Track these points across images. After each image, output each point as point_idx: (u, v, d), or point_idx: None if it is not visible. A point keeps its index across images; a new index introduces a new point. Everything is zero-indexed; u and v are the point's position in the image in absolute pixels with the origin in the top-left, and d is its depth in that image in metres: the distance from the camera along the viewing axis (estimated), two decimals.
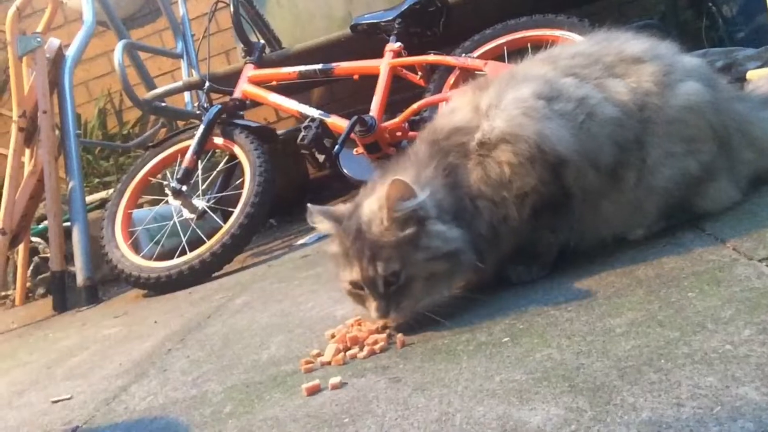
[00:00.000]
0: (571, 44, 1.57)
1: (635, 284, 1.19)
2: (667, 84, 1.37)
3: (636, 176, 1.36)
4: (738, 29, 3.56)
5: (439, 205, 1.29)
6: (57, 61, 3.27)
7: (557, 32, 2.68)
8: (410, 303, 1.27)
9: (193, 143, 2.84)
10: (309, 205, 1.37)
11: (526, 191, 1.32)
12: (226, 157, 3.06)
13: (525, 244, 1.38)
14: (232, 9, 3.07)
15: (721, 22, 3.66)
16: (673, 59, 1.43)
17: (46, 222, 3.21)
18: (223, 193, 2.99)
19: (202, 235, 2.74)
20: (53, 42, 3.29)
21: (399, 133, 2.71)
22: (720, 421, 0.71)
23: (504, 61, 2.69)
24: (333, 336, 1.34)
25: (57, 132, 3.27)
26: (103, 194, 3.74)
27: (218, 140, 2.91)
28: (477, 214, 1.32)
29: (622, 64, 1.41)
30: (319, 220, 1.36)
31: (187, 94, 4.06)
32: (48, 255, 3.22)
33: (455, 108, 1.44)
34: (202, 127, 2.85)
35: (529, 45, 2.70)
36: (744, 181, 1.46)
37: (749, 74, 2.52)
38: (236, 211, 2.66)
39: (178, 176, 2.79)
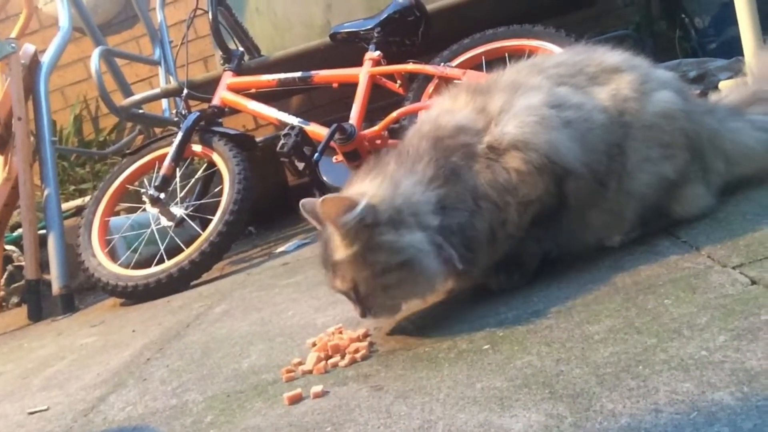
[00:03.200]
0: (552, 55, 1.59)
1: (613, 291, 1.21)
2: (644, 92, 1.41)
3: (617, 182, 1.39)
4: (710, 40, 3.63)
5: (400, 207, 1.25)
6: (32, 67, 3.22)
7: (535, 42, 2.71)
8: (382, 310, 1.28)
9: (171, 151, 2.81)
10: (302, 200, 1.38)
11: (531, 199, 1.33)
12: (205, 165, 3.04)
13: (511, 252, 1.39)
14: (210, 16, 3.05)
15: (693, 33, 3.73)
16: (649, 70, 1.49)
17: (20, 230, 3.16)
18: (202, 201, 2.97)
19: (181, 243, 2.71)
20: (28, 48, 3.25)
21: (378, 141, 2.72)
22: (697, 426, 0.73)
23: (482, 71, 2.72)
24: (314, 344, 1.34)
25: (32, 139, 3.23)
26: (79, 202, 3.69)
27: (197, 148, 2.89)
28: (479, 212, 1.31)
29: (603, 74, 1.45)
30: (308, 217, 1.37)
31: (164, 101, 4.03)
32: (22, 263, 3.16)
33: (452, 109, 1.43)
34: (180, 135, 2.83)
35: (507, 55, 2.73)
36: (715, 189, 1.50)
37: (721, 85, 2.58)
38: (215, 219, 2.64)
39: (156, 184, 2.76)
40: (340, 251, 1.25)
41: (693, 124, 1.44)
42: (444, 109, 1.45)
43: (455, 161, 1.33)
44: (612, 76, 1.44)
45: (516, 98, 1.38)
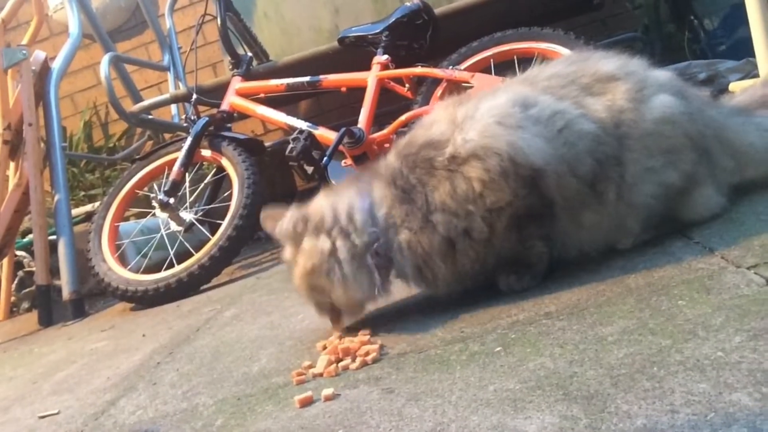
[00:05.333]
0: (548, 65, 1.56)
1: (626, 293, 1.20)
2: (640, 99, 1.37)
3: (616, 192, 1.35)
4: (720, 42, 3.61)
5: (327, 219, 1.39)
6: (42, 73, 3.25)
7: (543, 45, 2.70)
8: (320, 310, 1.45)
9: (180, 156, 2.82)
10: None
11: (502, 206, 1.31)
12: (214, 170, 3.05)
13: (516, 254, 1.38)
14: (219, 21, 3.07)
15: (703, 35, 3.72)
16: (645, 75, 1.44)
17: (31, 236, 3.18)
18: (211, 206, 2.98)
19: (190, 248, 2.72)
20: (39, 54, 3.27)
21: (387, 145, 2.71)
22: (714, 427, 0.72)
23: (491, 74, 2.71)
24: (324, 347, 1.34)
25: (42, 145, 3.25)
26: (88, 207, 3.71)
27: (206, 152, 2.90)
28: (426, 228, 1.33)
29: (598, 84, 1.41)
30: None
31: (173, 107, 4.05)
32: (33, 269, 3.18)
33: (434, 120, 1.44)
34: (189, 140, 2.84)
35: (515, 57, 2.73)
36: (726, 188, 1.47)
37: (731, 86, 2.56)
38: (224, 223, 2.64)
39: (166, 189, 2.77)
40: (284, 256, 1.45)
41: (696, 125, 1.40)
42: (426, 122, 1.47)
43: (411, 180, 1.37)
44: (607, 86, 1.40)
45: (481, 102, 1.38)
